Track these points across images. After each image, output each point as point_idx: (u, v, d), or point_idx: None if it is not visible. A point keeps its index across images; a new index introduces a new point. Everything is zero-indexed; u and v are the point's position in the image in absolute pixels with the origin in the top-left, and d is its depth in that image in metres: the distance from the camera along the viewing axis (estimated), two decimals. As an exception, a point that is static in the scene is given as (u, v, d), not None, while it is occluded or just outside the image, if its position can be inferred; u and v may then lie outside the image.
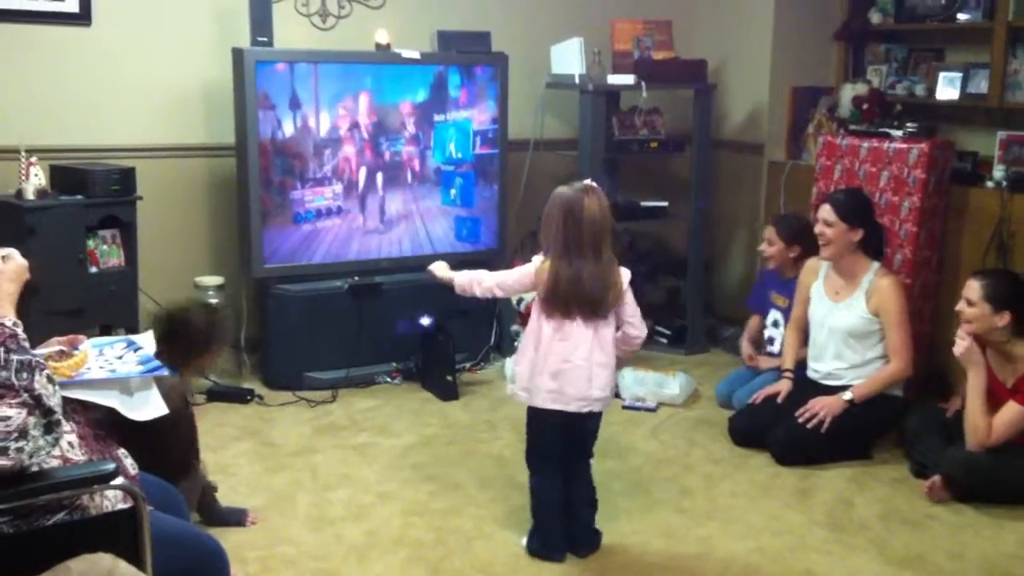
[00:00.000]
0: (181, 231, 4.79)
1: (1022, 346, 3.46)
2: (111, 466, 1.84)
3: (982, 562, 3.09)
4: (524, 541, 3.13)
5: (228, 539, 2.89)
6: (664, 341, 5.33)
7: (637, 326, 3.04)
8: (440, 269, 3.34)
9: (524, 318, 4.83)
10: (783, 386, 4.05)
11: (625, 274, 3.00)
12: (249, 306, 4.81)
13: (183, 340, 2.92)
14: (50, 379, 1.82)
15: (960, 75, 4.67)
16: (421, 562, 3.06)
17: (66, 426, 1.93)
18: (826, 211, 3.91)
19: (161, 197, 4.63)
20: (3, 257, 2.01)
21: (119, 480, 1.87)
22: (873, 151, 4.36)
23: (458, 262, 4.83)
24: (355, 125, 4.56)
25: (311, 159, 4.48)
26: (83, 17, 4.44)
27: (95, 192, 4.22)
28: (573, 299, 2.90)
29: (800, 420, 3.83)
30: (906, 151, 4.24)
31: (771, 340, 4.52)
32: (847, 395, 3.84)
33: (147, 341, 2.36)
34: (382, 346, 4.69)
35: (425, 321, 4.59)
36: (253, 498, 3.48)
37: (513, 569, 3.03)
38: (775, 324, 4.49)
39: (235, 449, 3.90)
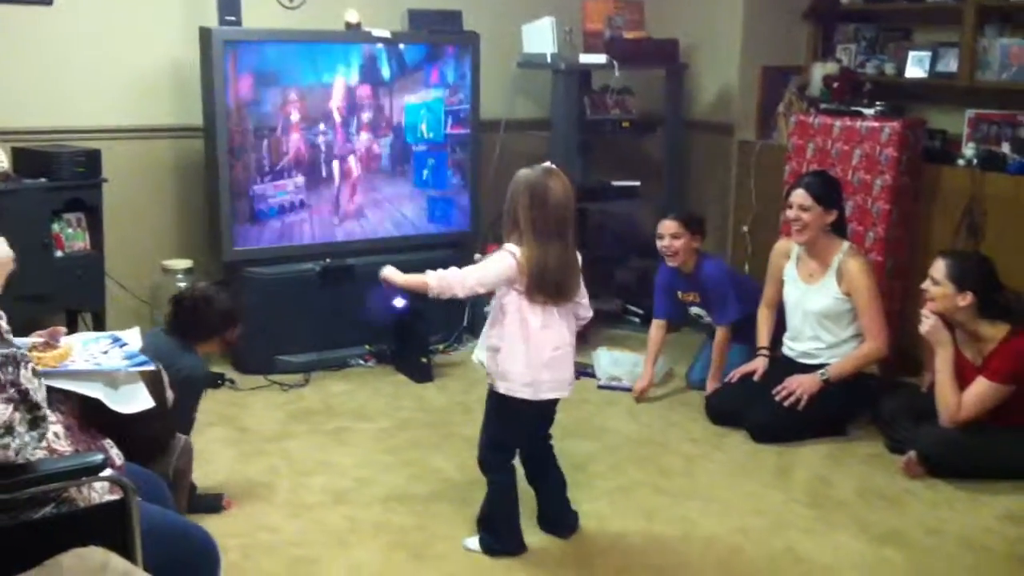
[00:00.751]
0: (148, 214, 4.70)
1: (987, 326, 3.49)
2: (99, 457, 1.80)
3: (960, 537, 3.13)
4: (472, 543, 3.04)
5: (207, 526, 2.81)
6: (636, 320, 5.34)
7: (587, 307, 3.03)
8: (395, 274, 3.04)
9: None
10: (759, 364, 4.07)
11: (578, 258, 2.97)
12: (218, 290, 4.73)
13: (206, 318, 3.12)
14: (35, 372, 1.77)
15: (929, 54, 4.70)
16: (403, 548, 3.04)
17: (52, 417, 1.88)
18: (801, 196, 3.91)
19: (127, 179, 4.53)
20: None
21: (108, 471, 1.82)
22: (845, 130, 4.38)
23: (431, 244, 4.86)
24: (325, 106, 4.49)
25: (279, 141, 4.41)
26: (44, -4, 4.33)
27: (60, 175, 4.13)
28: (556, 284, 2.85)
29: (777, 398, 3.85)
30: (878, 130, 4.27)
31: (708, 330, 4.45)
32: (823, 374, 3.87)
33: (132, 337, 2.31)
34: (355, 329, 4.64)
35: (399, 302, 4.55)
36: (230, 484, 3.43)
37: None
38: (699, 317, 4.44)
39: (209, 435, 3.84)
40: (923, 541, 3.10)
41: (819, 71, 4.87)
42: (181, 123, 4.64)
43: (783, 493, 3.44)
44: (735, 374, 4.10)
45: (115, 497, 1.82)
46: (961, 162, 4.31)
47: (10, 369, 1.71)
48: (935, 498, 3.40)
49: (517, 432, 3.03)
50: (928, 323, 3.51)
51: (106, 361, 2.14)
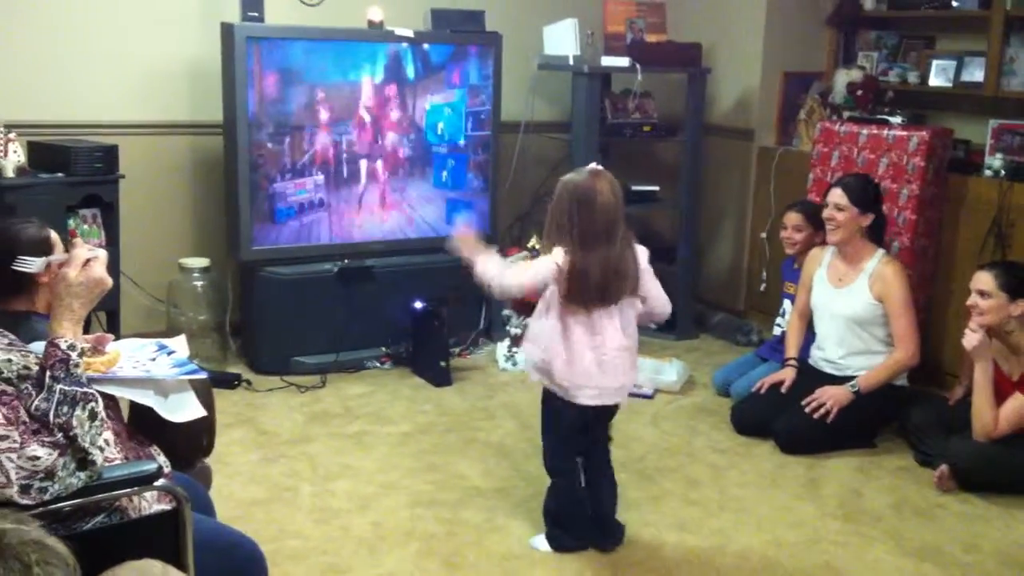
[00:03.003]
0: (165, 211, 4.64)
1: (1029, 337, 3.47)
2: (153, 466, 1.74)
3: (998, 553, 3.09)
4: (537, 542, 3.04)
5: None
6: (653, 327, 5.26)
7: (662, 303, 2.98)
8: (467, 246, 2.95)
9: (516, 303, 4.77)
10: (787, 374, 4.02)
11: (643, 253, 2.93)
12: (234, 289, 4.67)
13: None
14: (93, 414, 1.72)
15: (953, 63, 4.67)
16: (434, 555, 2.99)
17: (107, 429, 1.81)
18: (837, 195, 3.87)
19: (144, 176, 4.47)
20: (86, 262, 1.86)
21: (162, 481, 1.76)
22: (872, 138, 4.34)
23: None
24: (349, 105, 4.43)
25: (301, 139, 4.35)
26: (63, -12, 4.26)
27: (77, 170, 4.06)
28: (597, 290, 2.81)
29: (807, 409, 3.81)
30: (906, 139, 4.23)
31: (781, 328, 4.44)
32: (853, 385, 3.82)
33: (180, 345, 2.24)
34: (371, 330, 4.59)
35: (419, 305, 4.51)
36: (253, 489, 3.38)
37: (530, 562, 2.97)
38: (783, 313, 4.45)
39: (228, 437, 3.78)
40: (961, 558, 3.06)
41: (843, 78, 4.84)
42: (200, 119, 4.58)
43: (815, 506, 3.40)
44: (764, 383, 4.05)
45: (166, 507, 1.76)
46: (988, 172, 4.28)
47: (65, 409, 1.67)
48: (969, 512, 3.37)
49: (567, 434, 2.99)
50: (976, 337, 3.46)
51: (155, 368, 2.08)
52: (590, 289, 2.79)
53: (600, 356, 2.85)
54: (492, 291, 2.94)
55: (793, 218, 4.31)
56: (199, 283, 4.47)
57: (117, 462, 1.86)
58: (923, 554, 3.07)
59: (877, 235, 3.96)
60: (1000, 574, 2.98)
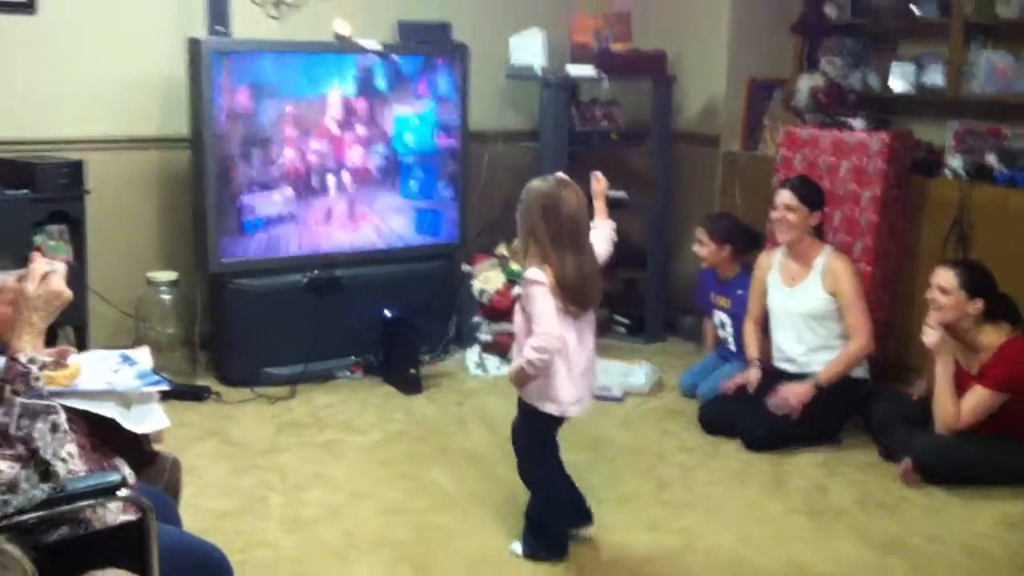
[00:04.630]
0: (132, 225, 4.63)
1: (987, 333, 3.53)
2: (117, 476, 1.75)
3: (961, 544, 3.14)
4: (517, 547, 3.05)
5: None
6: (623, 330, 5.34)
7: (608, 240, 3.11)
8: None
9: (486, 309, 4.80)
10: (752, 375, 4.07)
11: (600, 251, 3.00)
12: (203, 301, 4.67)
13: None
14: (55, 426, 1.72)
15: (913, 67, 4.74)
16: (404, 562, 3.00)
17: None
18: (788, 197, 3.97)
19: (111, 191, 4.46)
20: (44, 275, 1.86)
21: (126, 491, 1.76)
22: (835, 141, 4.41)
23: (418, 256, 4.83)
24: (318, 117, 4.44)
25: (269, 152, 4.36)
26: (27, 5, 4.25)
27: (42, 186, 4.05)
28: (582, 294, 2.84)
29: (770, 407, 3.86)
30: (868, 142, 4.30)
31: (724, 340, 4.55)
32: (815, 380, 3.88)
33: (143, 356, 2.26)
34: (341, 340, 4.59)
35: (389, 314, 4.53)
36: (223, 500, 3.38)
37: (500, 566, 2.99)
38: (722, 325, 4.54)
39: (198, 449, 3.78)
40: (925, 549, 3.11)
41: (806, 83, 4.89)
42: (167, 134, 4.58)
43: (781, 502, 3.44)
44: (730, 385, 4.11)
45: (131, 517, 1.76)
46: (948, 173, 4.35)
47: (26, 422, 1.67)
48: (932, 505, 3.42)
49: (551, 442, 3.03)
50: (936, 334, 3.53)
51: (118, 380, 2.08)
52: (571, 292, 2.82)
53: (587, 361, 2.91)
54: (537, 362, 2.79)
55: (700, 234, 4.49)
56: (167, 296, 4.46)
57: (81, 474, 1.86)
58: (888, 547, 3.12)
59: (822, 231, 4.09)
60: (963, 565, 3.02)
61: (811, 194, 4.01)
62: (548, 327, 2.77)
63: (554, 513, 3.03)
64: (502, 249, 4.88)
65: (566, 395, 2.88)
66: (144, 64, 4.52)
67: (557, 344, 2.79)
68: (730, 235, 4.45)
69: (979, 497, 3.45)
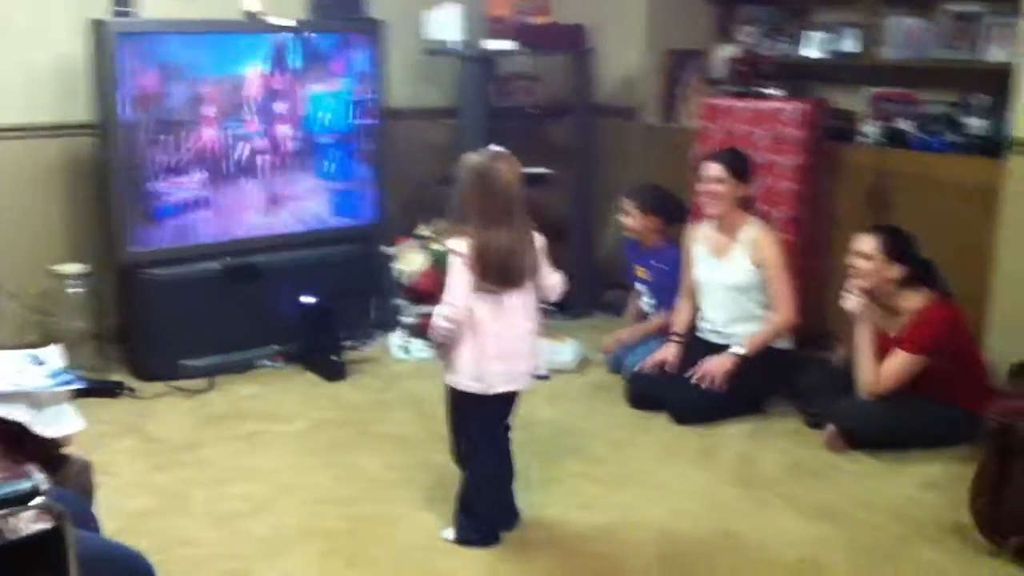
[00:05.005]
0: (34, 216, 4.42)
1: (907, 298, 3.56)
2: (28, 484, 1.63)
3: (888, 508, 3.18)
4: (448, 534, 2.99)
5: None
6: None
7: (551, 287, 2.98)
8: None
9: (409, 292, 4.72)
10: (670, 352, 4.07)
11: (538, 239, 2.92)
12: (112, 293, 4.49)
13: None
14: None
15: (827, 35, 4.77)
16: (336, 554, 2.92)
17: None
18: (717, 169, 3.97)
19: (9, 181, 4.26)
20: None
21: (40, 499, 1.64)
22: (753, 111, 4.42)
23: (337, 238, 4.71)
24: (229, 98, 4.28)
25: (179, 136, 4.19)
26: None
27: (-64, 177, 3.84)
28: (503, 271, 2.80)
29: (694, 382, 3.86)
30: (785, 110, 4.32)
31: (644, 314, 4.55)
32: (737, 350, 3.90)
33: (53, 355, 2.13)
34: (260, 329, 4.47)
35: (306, 300, 4.42)
36: (142, 499, 3.25)
37: (434, 552, 2.93)
38: (642, 296, 4.54)
39: (114, 447, 3.63)
40: (855, 514, 3.14)
41: (723, 53, 4.91)
42: (68, 120, 4.37)
43: (712, 474, 3.44)
44: (646, 363, 4.10)
45: (46, 525, 1.64)
46: (865, 140, 4.39)
47: None
48: (859, 470, 3.46)
49: (479, 422, 2.96)
50: (856, 300, 3.56)
51: (26, 380, 1.96)
52: (493, 269, 2.79)
53: (506, 341, 2.84)
54: (452, 328, 2.83)
55: (627, 205, 4.46)
56: (74, 289, 4.28)
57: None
58: (819, 514, 3.14)
59: (748, 205, 4.08)
60: (893, 528, 3.06)
61: (739, 166, 4.00)
62: (454, 297, 2.81)
63: (482, 498, 2.98)
64: (424, 230, 4.80)
65: (465, 367, 2.85)
66: (42, 48, 4.30)
67: (461, 315, 2.79)
68: (656, 205, 4.43)
69: (901, 461, 3.50)
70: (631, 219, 4.45)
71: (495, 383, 2.86)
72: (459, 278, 2.81)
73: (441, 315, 2.82)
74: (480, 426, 2.97)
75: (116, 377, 4.28)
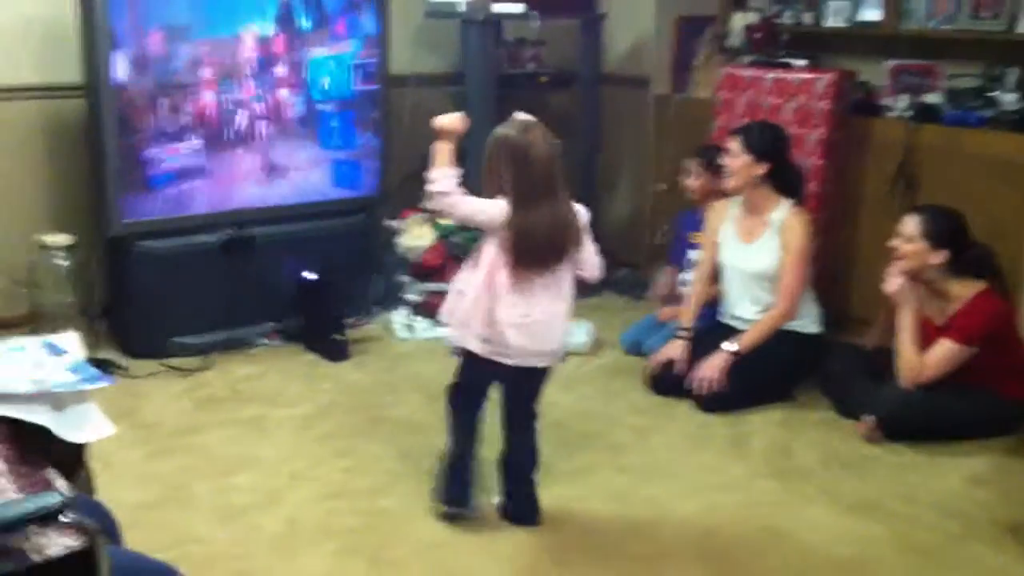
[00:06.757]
0: (18, 185, 4.15)
1: (955, 285, 3.38)
2: (56, 499, 1.41)
3: (935, 504, 3.02)
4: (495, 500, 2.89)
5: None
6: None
7: (592, 266, 2.78)
8: (450, 127, 2.70)
9: (415, 268, 4.51)
10: (676, 350, 3.83)
11: (582, 212, 2.72)
12: (101, 266, 4.23)
13: None
14: None
15: (848, 3, 4.58)
16: (356, 553, 2.72)
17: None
18: (731, 141, 3.76)
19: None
20: None
21: (71, 516, 1.42)
22: (778, 82, 4.22)
23: (337, 210, 4.48)
24: (230, 61, 4.02)
25: (175, 100, 3.93)
26: None
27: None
28: (535, 253, 2.60)
29: (693, 390, 3.67)
30: (812, 82, 4.12)
31: (675, 295, 4.29)
32: (730, 347, 3.69)
33: (72, 343, 1.87)
34: (259, 305, 4.25)
35: (307, 275, 4.20)
36: (140, 490, 3.03)
37: (460, 552, 2.75)
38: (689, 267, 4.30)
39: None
40: (901, 510, 2.98)
41: (739, 21, 4.70)
42: (50, 82, 4.09)
43: (745, 466, 3.27)
44: (652, 360, 3.89)
45: (72, 542, 1.42)
46: (893, 114, 4.21)
47: None
48: (899, 463, 3.30)
49: (479, 384, 2.79)
50: (897, 282, 3.39)
51: (49, 377, 1.71)
52: (538, 250, 2.59)
53: (523, 317, 2.64)
54: (431, 200, 2.65)
55: (691, 165, 4.21)
56: (62, 262, 4.02)
57: (10, 493, 1.52)
58: (862, 510, 2.98)
59: (787, 186, 3.81)
60: (942, 525, 2.90)
61: (758, 142, 3.73)
62: (471, 207, 2.63)
63: (448, 464, 2.84)
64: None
65: (474, 326, 2.65)
66: (20, 4, 4.02)
67: (446, 210, 2.64)
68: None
69: (944, 453, 3.34)
70: (696, 179, 4.18)
71: (511, 354, 2.67)
72: (490, 211, 2.60)
73: (450, 189, 2.61)
74: (479, 386, 2.80)
75: (104, 355, 4.04)
